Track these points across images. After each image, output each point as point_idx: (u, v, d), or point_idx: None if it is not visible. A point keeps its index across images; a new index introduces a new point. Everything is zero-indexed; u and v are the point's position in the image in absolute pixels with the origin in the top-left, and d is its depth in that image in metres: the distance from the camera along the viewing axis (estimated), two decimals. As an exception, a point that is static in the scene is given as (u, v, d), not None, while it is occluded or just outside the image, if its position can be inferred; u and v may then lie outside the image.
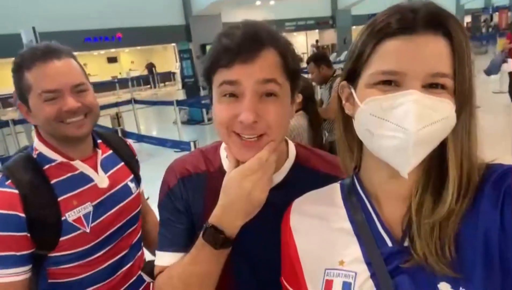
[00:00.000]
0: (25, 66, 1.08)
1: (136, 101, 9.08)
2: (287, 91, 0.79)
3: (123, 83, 18.28)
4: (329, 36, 24.29)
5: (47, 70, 1.07)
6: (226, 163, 0.89)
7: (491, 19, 30.22)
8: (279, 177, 0.87)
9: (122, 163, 1.31)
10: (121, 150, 1.35)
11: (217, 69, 0.76)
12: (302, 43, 26.98)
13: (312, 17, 22.50)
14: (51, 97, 1.08)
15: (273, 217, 0.81)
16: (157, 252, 0.91)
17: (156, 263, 0.91)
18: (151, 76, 21.01)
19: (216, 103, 0.78)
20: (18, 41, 5.58)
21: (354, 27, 22.48)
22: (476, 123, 0.63)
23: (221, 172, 0.86)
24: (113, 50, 19.51)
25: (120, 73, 22.06)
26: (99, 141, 1.28)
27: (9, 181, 1.05)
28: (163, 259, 0.89)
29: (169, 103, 8.18)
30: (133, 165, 1.36)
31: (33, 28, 5.29)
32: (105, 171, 1.23)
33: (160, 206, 0.94)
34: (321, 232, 0.74)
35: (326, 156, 0.96)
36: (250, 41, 0.73)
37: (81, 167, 1.18)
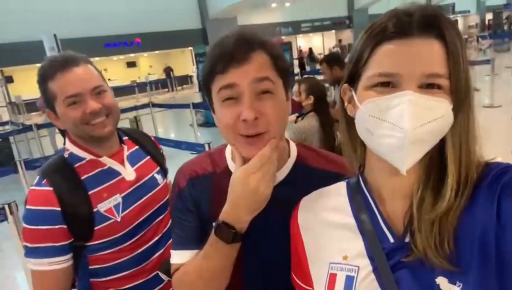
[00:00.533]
0: (48, 77, 1.18)
1: (154, 105, 9.22)
2: (280, 88, 0.84)
3: (142, 87, 18.58)
4: (346, 36, 24.11)
5: (68, 77, 1.17)
6: (231, 164, 0.94)
7: (514, 15, 29.40)
8: (281, 175, 0.91)
9: (148, 157, 1.40)
10: (146, 145, 1.44)
11: (214, 77, 0.81)
12: (319, 44, 26.86)
13: (328, 18, 22.39)
14: (74, 101, 1.17)
15: (278, 213, 0.85)
16: (172, 251, 0.96)
17: (172, 261, 0.95)
18: (169, 80, 21.30)
19: (218, 109, 0.84)
20: (40, 48, 5.76)
21: (371, 26, 22.24)
22: (474, 121, 0.64)
23: (227, 173, 0.91)
24: (132, 55, 19.90)
25: (139, 77, 22.43)
26: (125, 138, 1.39)
27: (45, 180, 1.16)
28: (178, 257, 0.94)
29: (186, 106, 8.27)
30: (158, 158, 1.45)
31: (55, 35, 5.45)
32: (132, 165, 1.33)
33: (171, 207, 0.99)
34: (327, 228, 0.77)
35: (328, 155, 0.99)
36: (241, 46, 0.79)
37: (109, 162, 1.27)
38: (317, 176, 0.91)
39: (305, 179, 0.90)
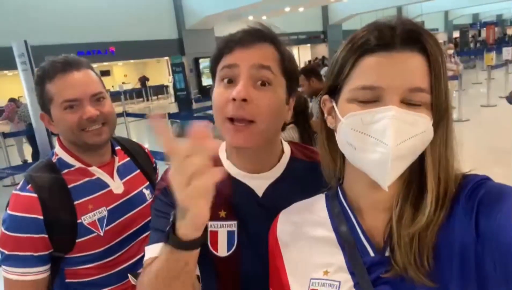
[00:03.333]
0: (47, 78, 1.14)
1: (128, 114, 9.07)
2: (281, 85, 0.83)
3: (115, 96, 18.26)
4: (321, 50, 24.63)
5: (67, 81, 1.13)
6: (227, 163, 0.91)
7: (479, 34, 30.92)
8: (277, 171, 0.90)
9: (138, 171, 1.36)
10: (138, 157, 1.39)
11: (221, 58, 0.83)
12: (295, 57, 27.33)
13: (304, 32, 22.82)
14: (71, 105, 1.13)
15: (277, 210, 0.83)
16: (146, 248, 0.86)
17: (144, 259, 0.85)
18: (144, 89, 21.02)
19: (215, 89, 0.84)
20: (10, 54, 5.56)
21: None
22: (453, 136, 0.65)
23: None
24: (106, 63, 19.54)
25: (112, 86, 22.02)
26: (117, 148, 1.34)
27: (30, 185, 1.11)
28: (151, 251, 0.82)
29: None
30: (149, 173, 1.40)
31: (25, 41, 5.27)
32: (121, 177, 1.28)
33: (154, 202, 0.93)
34: (306, 242, 0.75)
35: (318, 149, 1.00)
36: (251, 33, 0.83)
37: (98, 173, 1.22)
38: (313, 166, 0.89)
39: (301, 171, 0.91)
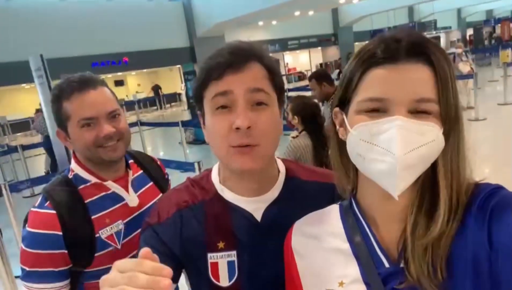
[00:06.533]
0: (64, 97, 1.17)
1: (142, 123, 9.17)
2: (275, 101, 0.83)
3: (130, 105, 18.52)
4: (332, 53, 24.54)
5: (84, 99, 1.16)
6: (220, 188, 0.90)
7: (494, 31, 30.37)
8: (275, 192, 0.89)
9: (151, 183, 1.38)
10: (151, 169, 1.42)
11: (209, 83, 0.80)
12: (306, 61, 27.25)
13: (314, 35, 22.78)
14: (88, 123, 1.16)
15: (278, 233, 0.83)
16: None
17: None
18: (157, 98, 21.27)
19: (210, 117, 0.81)
20: (27, 68, 5.70)
21: (356, 43, 22.71)
22: (465, 145, 0.65)
23: (218, 198, 0.88)
24: (119, 73, 19.86)
25: (127, 96, 22.37)
26: (130, 161, 1.37)
27: (48, 202, 1.14)
28: None
29: (174, 124, 8.24)
30: (162, 184, 1.42)
31: (41, 55, 5.39)
32: (136, 190, 1.31)
33: (142, 236, 0.90)
34: (321, 253, 0.75)
35: (314, 168, 1.00)
36: (238, 54, 0.79)
37: (113, 187, 1.25)
38: (311, 188, 0.90)
39: (300, 192, 0.89)
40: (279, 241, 0.83)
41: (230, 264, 0.86)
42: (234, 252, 0.86)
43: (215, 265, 0.87)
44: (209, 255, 0.86)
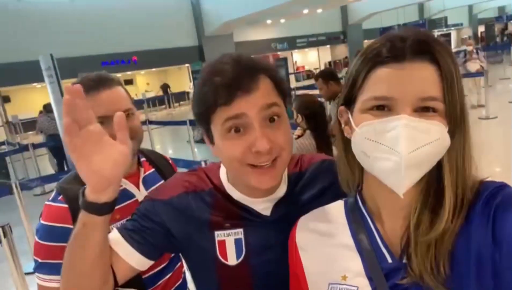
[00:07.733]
0: None
1: (151, 122, 9.22)
2: (284, 109, 0.83)
3: (139, 104, 18.67)
4: (341, 51, 24.41)
5: (100, 98, 1.18)
6: (228, 186, 0.91)
7: (506, 27, 29.90)
8: (282, 190, 0.90)
9: (163, 181, 1.39)
10: (162, 167, 1.44)
11: (217, 108, 0.76)
12: (314, 59, 27.15)
13: (323, 33, 22.69)
14: (102, 122, 1.16)
15: (286, 222, 0.85)
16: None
17: None
18: (166, 97, 21.39)
19: (221, 140, 0.79)
20: (37, 68, 5.78)
21: (365, 41, 22.55)
22: (470, 143, 0.65)
23: (225, 197, 0.89)
24: (129, 72, 20.03)
25: (136, 95, 22.53)
26: (142, 159, 1.39)
27: (61, 196, 1.17)
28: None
29: (182, 123, 8.27)
30: None
31: (51, 55, 5.46)
32: (147, 187, 1.32)
33: (139, 207, 0.94)
34: (325, 248, 0.77)
35: (302, 155, 1.00)
36: (243, 73, 0.75)
37: (124, 183, 1.26)
38: (311, 174, 0.93)
39: (304, 181, 0.92)
40: (287, 227, 0.84)
41: (237, 242, 0.87)
42: (241, 230, 0.87)
43: (222, 243, 0.87)
44: (216, 233, 0.87)
